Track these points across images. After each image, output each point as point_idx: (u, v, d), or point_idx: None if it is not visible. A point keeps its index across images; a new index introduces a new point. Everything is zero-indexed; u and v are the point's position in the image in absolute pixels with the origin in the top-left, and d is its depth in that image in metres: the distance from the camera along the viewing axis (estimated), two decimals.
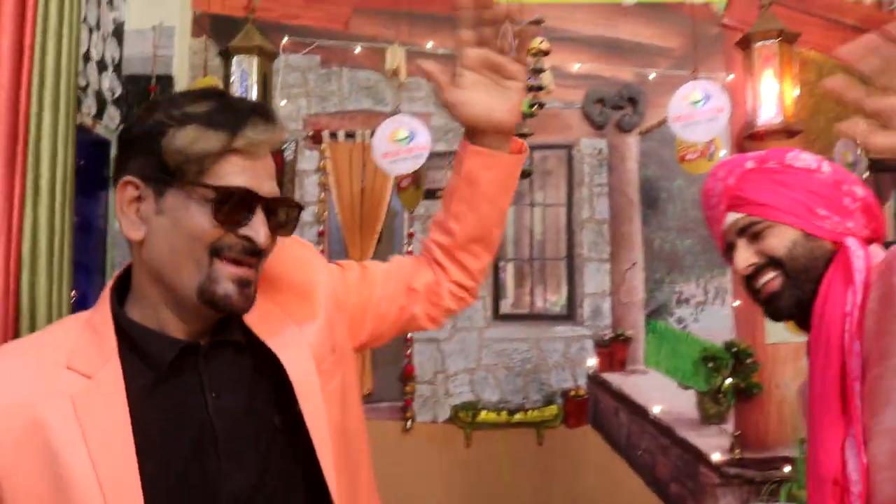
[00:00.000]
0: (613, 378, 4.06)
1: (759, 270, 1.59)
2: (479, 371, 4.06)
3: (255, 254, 1.24)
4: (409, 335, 4.04)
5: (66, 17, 2.53)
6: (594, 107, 4.14)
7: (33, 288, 2.37)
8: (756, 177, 1.59)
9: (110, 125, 3.79)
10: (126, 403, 1.18)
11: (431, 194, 4.12)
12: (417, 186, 3.90)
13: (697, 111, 3.34)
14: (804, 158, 1.59)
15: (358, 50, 4.10)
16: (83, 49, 3.48)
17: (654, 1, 4.13)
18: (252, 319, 1.32)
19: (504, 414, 4.00)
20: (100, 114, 3.69)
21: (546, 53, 3.25)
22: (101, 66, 3.69)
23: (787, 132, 2.84)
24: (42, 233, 2.41)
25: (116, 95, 3.85)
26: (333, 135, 4.11)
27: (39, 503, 1.13)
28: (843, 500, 1.43)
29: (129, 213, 1.23)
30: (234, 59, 2.61)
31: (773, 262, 1.57)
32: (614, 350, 4.07)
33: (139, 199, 1.23)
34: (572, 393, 4.03)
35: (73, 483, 1.12)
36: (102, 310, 1.27)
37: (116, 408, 1.17)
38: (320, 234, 4.07)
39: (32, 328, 2.34)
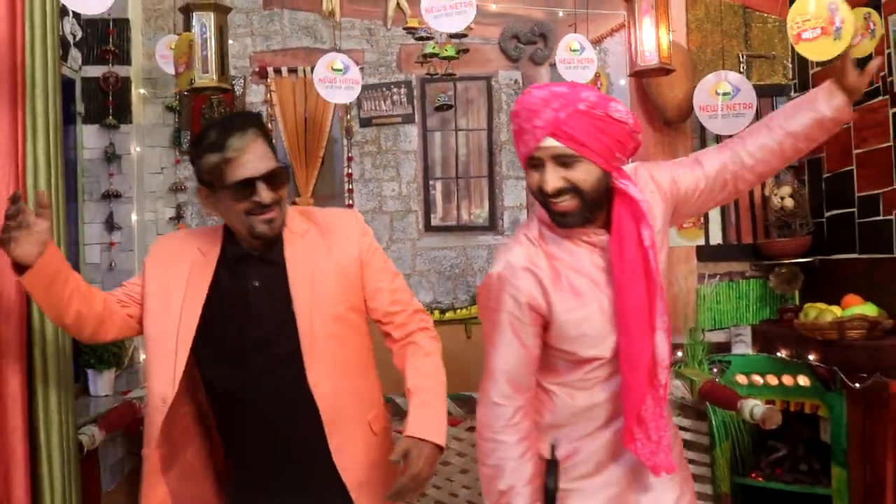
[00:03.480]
0: None
1: (560, 193, 1.84)
2: (413, 276, 4.63)
3: (266, 206, 2.04)
4: None
5: None
6: (510, 42, 4.64)
7: None
8: (584, 118, 1.78)
9: (73, 66, 4.17)
10: (212, 272, 2.16)
11: (367, 122, 4.61)
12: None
13: (576, 58, 3.91)
14: (621, 111, 1.83)
15: None
16: None
17: None
18: (290, 247, 2.16)
19: (437, 313, 4.56)
20: (64, 56, 4.06)
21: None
22: (63, 11, 4.03)
23: (662, 70, 3.37)
24: (41, 167, 2.82)
25: (77, 38, 4.22)
26: (277, 70, 4.55)
27: (156, 301, 2.16)
28: (653, 375, 1.91)
29: (206, 205, 2.16)
30: (194, 15, 3.04)
31: (574, 188, 1.83)
32: None
33: (207, 195, 2.11)
34: None
35: (171, 299, 2.14)
36: (218, 229, 2.23)
37: (207, 271, 2.16)
38: None
39: None
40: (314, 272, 2.14)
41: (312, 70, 3.91)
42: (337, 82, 3.75)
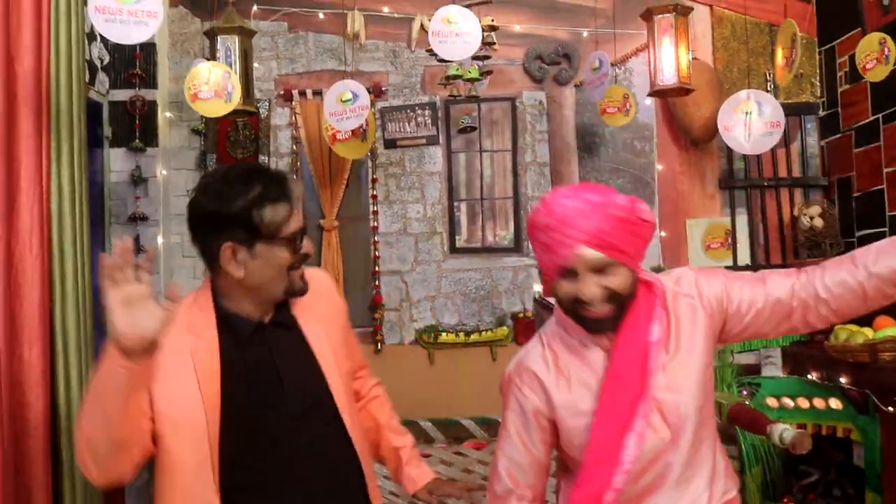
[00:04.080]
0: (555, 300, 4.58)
1: (597, 300, 1.76)
2: (438, 298, 4.61)
3: (306, 259, 1.95)
4: (375, 268, 4.56)
5: (73, 1, 2.92)
6: (534, 63, 4.63)
7: (61, 239, 2.82)
8: (622, 226, 1.74)
9: (101, 90, 4.21)
10: (218, 354, 1.88)
11: (392, 144, 4.61)
12: (363, 139, 4.19)
13: (596, 77, 3.89)
14: (647, 212, 1.79)
15: (321, 16, 4.53)
16: None
17: None
18: (296, 310, 2.02)
19: (462, 335, 4.55)
20: (92, 80, 4.10)
21: (495, 29, 3.71)
22: (91, 37, 4.08)
23: (681, 90, 3.34)
24: (65, 191, 2.84)
25: (105, 63, 4.26)
26: (302, 93, 4.57)
27: (172, 407, 1.82)
28: (610, 473, 1.78)
29: (231, 263, 1.85)
30: (219, 39, 3.05)
31: (612, 295, 1.76)
32: None
33: (234, 253, 1.84)
34: (521, 315, 4.58)
35: (187, 402, 1.83)
36: (205, 297, 1.95)
37: (213, 355, 1.87)
38: None
39: (62, 271, 2.81)
40: (325, 332, 2.06)
41: None
42: (347, 114, 3.71)
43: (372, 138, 4.11)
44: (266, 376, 1.94)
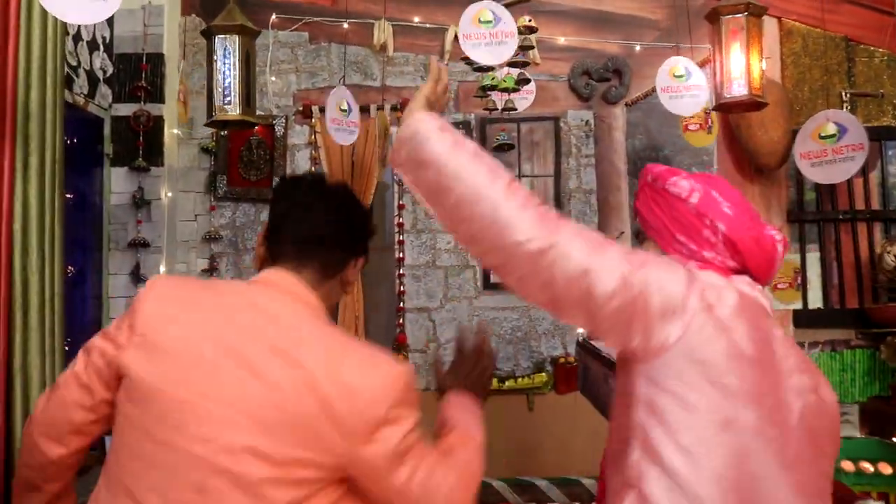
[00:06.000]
0: (602, 345, 4.12)
1: None
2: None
3: None
4: (400, 304, 4.13)
5: None
6: (580, 79, 4.20)
7: (25, 266, 2.43)
8: (647, 192, 1.69)
9: (102, 103, 3.85)
10: None
11: None
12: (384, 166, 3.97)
13: (682, 85, 3.39)
14: (680, 185, 1.63)
15: (346, 26, 4.14)
16: (73, 29, 3.54)
17: None
18: None
19: (495, 381, 4.07)
20: (92, 93, 3.75)
21: (533, 31, 3.29)
22: (93, 45, 3.74)
23: (753, 103, 2.86)
24: (33, 211, 2.47)
25: (108, 74, 3.91)
26: (323, 110, 4.16)
27: None
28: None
29: (356, 275, 1.80)
30: (217, 39, 2.65)
31: None
32: None
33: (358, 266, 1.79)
34: (562, 360, 4.12)
35: None
36: None
37: None
38: None
39: (25, 305, 2.42)
40: None
41: (361, 110, 3.63)
42: (343, 124, 3.50)
43: None
44: None
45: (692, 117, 3.78)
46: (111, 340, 1.52)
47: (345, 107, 3.47)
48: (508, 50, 2.84)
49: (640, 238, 1.76)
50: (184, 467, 1.36)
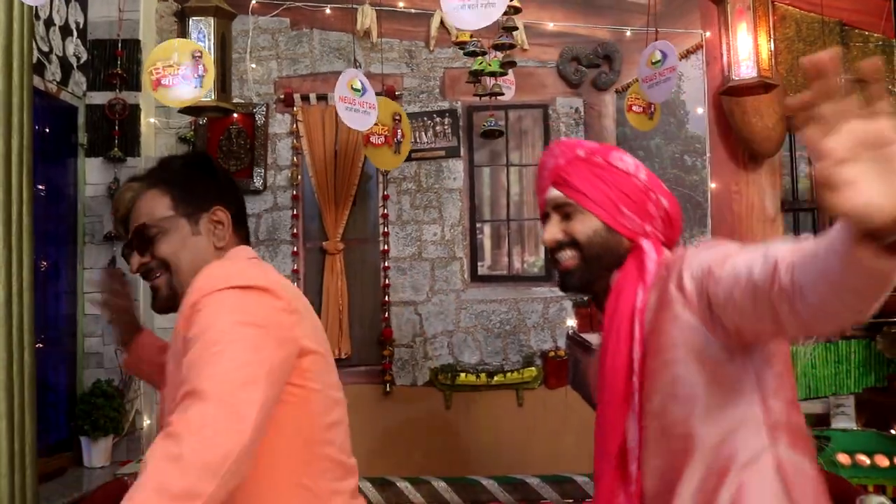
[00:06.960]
0: (594, 338, 4.03)
1: (560, 247, 1.75)
2: (457, 333, 4.04)
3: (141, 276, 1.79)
4: (385, 298, 4.02)
5: None
6: (569, 65, 4.09)
7: None
8: (581, 165, 1.73)
9: (76, 91, 3.72)
10: None
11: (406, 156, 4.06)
12: (397, 151, 3.74)
13: (657, 72, 3.30)
14: (626, 161, 1.73)
15: (328, 11, 4.02)
16: (45, 13, 3.40)
17: None
18: None
19: (483, 376, 3.99)
20: (65, 80, 3.61)
21: (517, 11, 3.16)
22: (65, 31, 3.61)
23: (762, 87, 2.76)
24: None
25: (82, 61, 3.77)
26: (305, 98, 4.05)
27: None
28: (623, 465, 1.64)
29: None
30: (191, 21, 2.54)
31: (573, 242, 1.73)
32: (594, 310, 4.04)
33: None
34: (552, 354, 4.02)
35: None
36: None
37: None
38: (294, 198, 4.01)
39: None
40: None
41: None
42: (356, 104, 3.17)
43: (406, 151, 3.54)
44: None
45: (636, 98, 3.64)
46: None
47: (357, 86, 3.17)
48: (497, 11, 2.70)
49: (548, 216, 1.78)
50: None
